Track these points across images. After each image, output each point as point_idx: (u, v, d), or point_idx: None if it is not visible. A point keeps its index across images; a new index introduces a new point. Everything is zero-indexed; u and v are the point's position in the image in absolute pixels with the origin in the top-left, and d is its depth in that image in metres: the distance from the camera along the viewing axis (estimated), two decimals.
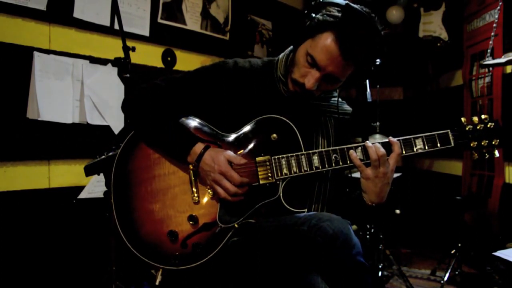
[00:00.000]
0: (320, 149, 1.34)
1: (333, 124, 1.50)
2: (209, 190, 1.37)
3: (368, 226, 3.12)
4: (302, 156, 1.33)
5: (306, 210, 1.38)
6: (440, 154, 4.03)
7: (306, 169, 1.33)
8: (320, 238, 1.15)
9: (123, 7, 2.82)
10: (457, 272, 3.14)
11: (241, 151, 1.39)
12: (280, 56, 1.48)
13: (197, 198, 1.36)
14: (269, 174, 1.34)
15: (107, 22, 2.72)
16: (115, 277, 2.10)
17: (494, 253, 1.61)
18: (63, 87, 2.49)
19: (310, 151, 1.34)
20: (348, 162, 1.32)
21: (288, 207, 1.35)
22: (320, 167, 1.33)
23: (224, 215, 1.34)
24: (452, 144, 1.30)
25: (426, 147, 1.31)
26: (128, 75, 2.00)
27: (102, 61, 2.68)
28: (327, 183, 1.44)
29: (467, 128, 1.31)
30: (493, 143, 1.30)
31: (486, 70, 3.40)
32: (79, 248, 2.54)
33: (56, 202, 2.47)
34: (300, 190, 1.39)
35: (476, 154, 1.33)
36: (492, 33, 2.59)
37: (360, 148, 1.32)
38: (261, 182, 1.34)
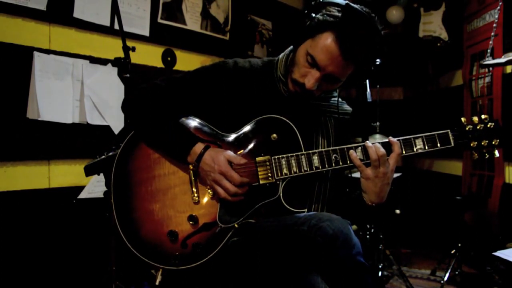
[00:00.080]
0: (320, 149, 1.34)
1: (333, 124, 1.50)
2: (209, 190, 1.37)
3: (368, 226, 3.12)
4: (302, 156, 1.33)
5: (306, 210, 1.38)
6: (440, 154, 4.03)
7: (306, 169, 1.33)
8: (320, 238, 1.15)
9: (123, 7, 2.82)
10: (457, 272, 3.14)
11: (241, 151, 1.39)
12: (280, 56, 1.48)
13: (197, 198, 1.36)
14: (269, 174, 1.34)
15: (107, 22, 2.72)
16: (115, 277, 2.10)
17: (494, 253, 1.61)
18: (63, 87, 2.49)
19: (310, 151, 1.34)
20: (348, 162, 1.32)
21: (288, 207, 1.35)
22: (320, 167, 1.33)
23: (224, 215, 1.34)
24: (452, 144, 1.30)
25: (426, 147, 1.31)
26: (128, 75, 2.00)
27: (102, 61, 2.68)
28: (327, 183, 1.44)
29: (467, 128, 1.31)
30: (493, 143, 1.30)
31: (486, 70, 3.40)
32: (79, 248, 2.54)
33: (56, 202, 2.47)
34: (300, 190, 1.39)
35: (476, 154, 1.33)
36: (492, 33, 2.59)
37: (360, 148, 1.32)
38: (261, 182, 1.34)
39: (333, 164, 1.33)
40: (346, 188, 1.52)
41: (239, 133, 1.40)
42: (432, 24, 4.10)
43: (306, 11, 1.32)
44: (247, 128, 1.40)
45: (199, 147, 1.33)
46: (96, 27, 2.67)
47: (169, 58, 3.15)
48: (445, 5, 4.03)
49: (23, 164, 2.35)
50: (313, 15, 1.30)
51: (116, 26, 2.63)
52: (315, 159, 1.33)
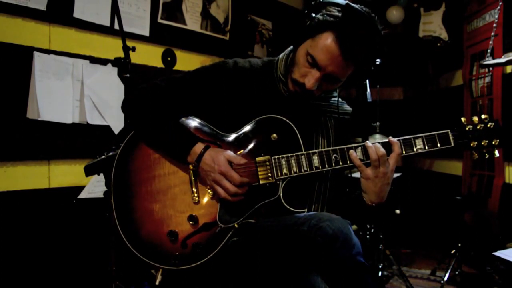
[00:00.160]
0: (320, 149, 1.34)
1: (333, 124, 1.50)
2: (209, 190, 1.37)
3: (368, 226, 3.12)
4: (302, 156, 1.33)
5: (306, 210, 1.38)
6: (440, 154, 4.03)
7: (306, 169, 1.33)
8: (320, 238, 1.15)
9: (123, 7, 2.82)
10: (457, 272, 3.14)
11: (241, 151, 1.39)
12: (280, 56, 1.48)
13: (197, 198, 1.36)
14: (269, 174, 1.34)
15: (107, 22, 2.72)
16: (115, 277, 2.10)
17: (494, 253, 1.61)
18: (63, 87, 2.49)
19: (310, 151, 1.34)
20: (348, 162, 1.32)
21: (288, 207, 1.35)
22: (320, 167, 1.33)
23: (224, 215, 1.34)
24: (452, 144, 1.30)
25: (426, 147, 1.31)
26: (128, 75, 2.00)
27: (102, 61, 2.68)
28: (327, 183, 1.44)
29: (467, 128, 1.31)
30: (493, 143, 1.30)
31: (486, 70, 3.40)
32: (79, 248, 2.54)
33: (56, 202, 2.47)
34: (300, 190, 1.39)
35: (476, 154, 1.33)
36: (492, 33, 2.59)
37: (360, 148, 1.32)
38: (261, 182, 1.34)
39: (333, 164, 1.33)
40: (346, 188, 1.52)
41: (239, 133, 1.40)
42: (432, 24, 4.10)
43: (306, 11, 1.32)
44: (247, 128, 1.40)
45: (199, 147, 1.33)
46: (96, 27, 2.67)
47: (169, 58, 3.15)
48: (445, 5, 4.03)
49: (23, 164, 2.35)
50: (313, 15, 1.30)
51: (116, 26, 2.63)
52: (315, 159, 1.33)
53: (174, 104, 1.43)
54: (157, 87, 1.44)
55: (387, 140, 1.32)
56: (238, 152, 1.38)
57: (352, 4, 1.27)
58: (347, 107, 1.55)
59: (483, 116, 1.32)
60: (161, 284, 1.38)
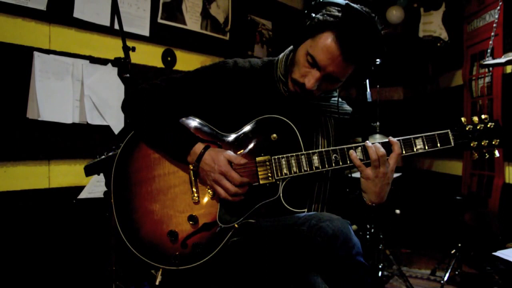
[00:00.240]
0: (320, 149, 1.34)
1: (333, 124, 1.50)
2: (209, 190, 1.37)
3: (368, 226, 3.12)
4: (302, 156, 1.34)
5: (306, 210, 1.38)
6: (440, 154, 4.03)
7: (306, 169, 1.33)
8: (320, 238, 1.15)
9: (123, 7, 2.82)
10: (457, 272, 3.15)
11: (241, 151, 1.39)
12: (280, 56, 1.48)
13: (197, 198, 1.36)
14: (269, 174, 1.34)
15: (107, 22, 2.72)
16: (115, 277, 2.10)
17: (494, 253, 1.61)
18: (63, 87, 2.49)
19: (310, 151, 1.34)
20: (348, 162, 1.32)
21: (288, 207, 1.35)
22: (320, 167, 1.33)
23: (224, 215, 1.34)
24: (452, 144, 1.31)
25: (426, 147, 1.31)
26: (128, 75, 2.00)
27: (102, 61, 2.68)
28: (327, 183, 1.44)
29: (467, 128, 1.31)
30: (493, 143, 1.30)
31: (486, 70, 3.40)
32: (79, 248, 2.54)
33: (56, 202, 2.47)
34: (300, 190, 1.39)
35: (476, 154, 1.33)
36: (492, 33, 2.59)
37: (360, 148, 1.32)
38: (261, 182, 1.34)
39: (333, 164, 1.33)
40: (346, 188, 1.52)
41: (239, 133, 1.40)
42: (432, 24, 4.10)
43: (306, 11, 1.32)
44: (247, 128, 1.40)
45: (199, 147, 1.33)
46: (96, 27, 2.67)
47: (169, 58, 3.15)
48: (445, 5, 4.03)
49: (23, 164, 2.35)
50: (313, 15, 1.30)
51: (116, 26, 2.63)
52: (315, 159, 1.33)
53: (174, 104, 1.43)
54: (157, 87, 1.45)
55: (387, 140, 1.32)
56: (238, 152, 1.38)
57: (352, 4, 1.27)
58: (347, 107, 1.55)
59: (483, 116, 1.32)
60: (161, 284, 1.38)
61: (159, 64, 3.09)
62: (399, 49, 4.38)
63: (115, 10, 2.18)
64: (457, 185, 3.88)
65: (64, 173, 2.52)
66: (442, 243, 3.69)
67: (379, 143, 1.31)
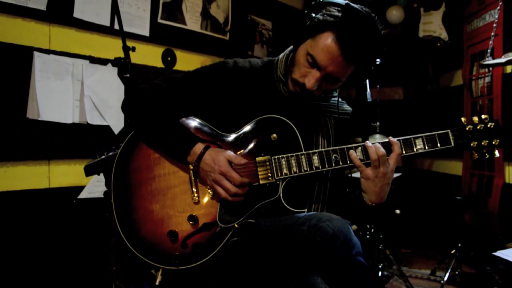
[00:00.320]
0: (320, 149, 1.34)
1: (333, 124, 1.50)
2: (209, 190, 1.37)
3: (368, 226, 3.12)
4: (302, 156, 1.34)
5: (306, 210, 1.38)
6: (440, 154, 4.03)
7: (306, 169, 1.33)
8: (320, 238, 1.15)
9: (123, 7, 2.82)
10: (457, 272, 3.15)
11: (241, 151, 1.39)
12: (280, 56, 1.48)
13: (197, 198, 1.36)
14: (269, 174, 1.34)
15: (107, 22, 2.72)
16: (115, 277, 2.10)
17: (494, 253, 1.61)
18: (63, 87, 2.49)
19: (310, 151, 1.34)
20: (348, 162, 1.32)
21: (288, 207, 1.35)
22: (320, 167, 1.33)
23: (224, 215, 1.34)
24: (452, 144, 1.31)
25: (426, 147, 1.31)
26: (128, 75, 2.00)
27: (102, 61, 2.68)
28: (327, 183, 1.44)
29: (467, 128, 1.31)
30: (493, 143, 1.30)
31: (486, 70, 3.40)
32: (79, 248, 2.54)
33: (56, 202, 2.47)
34: (300, 190, 1.39)
35: (476, 154, 1.33)
36: (492, 33, 2.59)
37: (360, 148, 1.32)
38: (261, 182, 1.34)
39: (333, 164, 1.33)
40: (346, 188, 1.52)
41: (239, 133, 1.40)
42: (432, 24, 4.10)
43: (306, 11, 1.32)
44: (247, 128, 1.40)
45: (199, 147, 1.33)
46: (96, 27, 2.67)
47: (169, 58, 3.15)
48: (445, 5, 4.03)
49: (23, 164, 2.35)
50: (313, 15, 1.30)
51: (116, 26, 2.63)
52: (315, 159, 1.33)
53: (174, 104, 1.43)
54: (157, 87, 1.44)
55: (387, 140, 1.32)
56: (238, 152, 1.38)
57: (352, 4, 1.27)
58: (347, 107, 1.55)
59: (483, 116, 1.32)
60: (161, 284, 1.38)
61: (159, 64, 3.09)
62: (399, 49, 4.38)
63: (115, 10, 2.18)
64: (457, 185, 3.88)
65: (64, 173, 2.52)
66: (442, 243, 3.69)
67: (379, 143, 1.31)
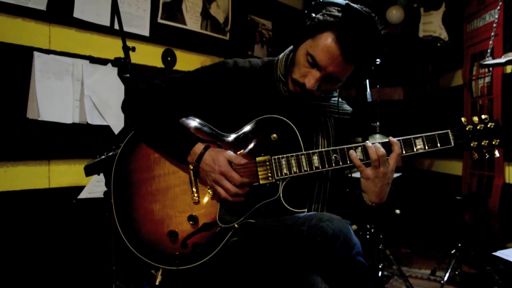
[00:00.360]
0: (320, 149, 1.34)
1: (333, 124, 1.50)
2: (209, 190, 1.37)
3: (368, 226, 3.12)
4: (302, 156, 1.33)
5: (306, 210, 1.38)
6: (440, 154, 4.03)
7: (306, 169, 1.33)
8: (320, 238, 1.15)
9: (123, 7, 2.82)
10: (457, 272, 3.14)
11: (241, 151, 1.39)
12: (280, 56, 1.48)
13: (197, 198, 1.36)
14: (269, 174, 1.34)
15: (107, 22, 2.72)
16: (115, 277, 2.10)
17: (494, 253, 1.61)
18: (63, 87, 2.49)
19: (310, 151, 1.34)
20: (348, 162, 1.32)
21: (288, 207, 1.34)
22: (320, 167, 1.33)
23: (224, 215, 1.34)
24: (452, 144, 1.31)
25: (426, 147, 1.31)
26: (128, 75, 2.00)
27: (102, 61, 2.68)
28: (327, 183, 1.44)
29: (467, 128, 1.31)
30: (493, 143, 1.30)
31: (486, 70, 3.39)
32: (79, 248, 2.54)
33: (56, 202, 2.47)
34: (300, 190, 1.39)
35: (476, 154, 1.33)
36: (492, 33, 2.59)
37: (360, 148, 1.32)
38: (261, 182, 1.34)
39: (333, 164, 1.33)
40: (346, 188, 1.52)
41: (239, 133, 1.40)
42: (432, 24, 4.10)
43: (306, 11, 1.32)
44: (247, 128, 1.40)
45: (199, 147, 1.33)
46: (96, 27, 2.67)
47: (169, 58, 3.15)
48: (445, 5, 4.03)
49: (23, 164, 2.35)
50: (313, 15, 1.30)
51: (116, 26, 2.63)
52: (315, 159, 1.33)
53: (174, 104, 1.43)
54: (157, 88, 1.44)
55: (387, 140, 1.32)
56: (238, 152, 1.38)
57: (352, 4, 1.27)
58: (347, 107, 1.55)
59: (483, 116, 1.32)
60: (161, 284, 1.38)
61: (159, 64, 3.09)
62: (399, 49, 4.38)
63: (115, 10, 2.18)
64: (457, 185, 3.88)
65: (64, 173, 2.52)
66: (442, 243, 3.69)
67: (379, 143, 1.31)
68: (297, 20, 1.34)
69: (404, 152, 1.31)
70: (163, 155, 1.41)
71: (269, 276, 1.30)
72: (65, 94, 2.50)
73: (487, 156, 1.32)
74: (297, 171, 1.33)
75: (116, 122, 2.72)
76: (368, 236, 3.09)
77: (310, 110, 1.48)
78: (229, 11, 3.69)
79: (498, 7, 2.71)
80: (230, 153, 1.35)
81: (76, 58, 2.56)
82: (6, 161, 2.28)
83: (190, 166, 1.35)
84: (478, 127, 1.31)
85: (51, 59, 2.44)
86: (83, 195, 2.51)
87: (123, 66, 2.00)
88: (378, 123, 3.31)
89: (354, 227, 2.78)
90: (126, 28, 2.27)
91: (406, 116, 4.72)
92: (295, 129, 1.37)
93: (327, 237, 1.14)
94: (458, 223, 3.50)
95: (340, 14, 1.26)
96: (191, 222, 1.34)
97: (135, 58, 2.16)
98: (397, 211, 3.46)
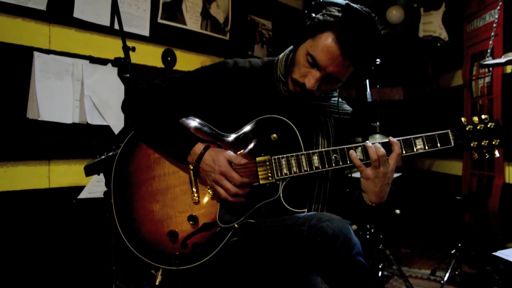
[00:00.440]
0: (320, 149, 1.34)
1: (333, 124, 1.50)
2: (209, 190, 1.37)
3: (368, 226, 3.12)
4: (302, 156, 1.34)
5: (306, 210, 1.38)
6: (440, 154, 4.03)
7: (306, 169, 1.33)
8: (320, 238, 1.15)
9: (123, 7, 2.82)
10: (457, 272, 3.14)
11: (241, 151, 1.39)
12: (280, 56, 1.48)
13: (197, 198, 1.36)
14: (269, 174, 1.34)
15: (107, 22, 2.72)
16: (115, 277, 2.10)
17: (494, 253, 1.61)
18: (63, 87, 2.49)
19: (310, 151, 1.34)
20: (348, 162, 1.32)
21: (288, 207, 1.35)
22: (320, 167, 1.33)
23: (224, 215, 1.34)
24: (452, 144, 1.31)
25: (426, 147, 1.31)
26: (128, 75, 2.00)
27: (102, 61, 2.68)
28: (327, 183, 1.44)
29: (467, 128, 1.31)
30: (493, 143, 1.30)
31: (486, 70, 3.39)
32: (79, 248, 2.54)
33: (56, 202, 2.47)
34: (300, 190, 1.39)
35: (476, 154, 1.33)
36: (492, 33, 2.59)
37: (360, 148, 1.32)
38: (261, 182, 1.34)
39: (333, 164, 1.33)
40: (346, 188, 1.52)
41: (239, 133, 1.40)
42: (432, 24, 4.10)
43: (306, 11, 1.32)
44: (247, 128, 1.40)
45: (199, 147, 1.33)
46: (96, 27, 2.67)
47: (169, 58, 3.15)
48: (445, 5, 4.03)
49: (23, 164, 2.35)
50: (313, 15, 1.30)
51: (116, 26, 2.63)
52: (315, 159, 1.33)
53: (174, 105, 1.43)
54: (157, 88, 1.45)
55: (387, 140, 1.32)
56: (238, 152, 1.38)
57: (352, 4, 1.27)
58: (347, 107, 1.55)
59: (483, 116, 1.32)
60: (161, 284, 1.38)
61: (159, 64, 3.09)
62: (399, 49, 4.38)
63: (115, 10, 2.18)
64: (457, 185, 3.88)
65: (64, 173, 2.52)
66: (442, 243, 3.69)
67: (379, 143, 1.31)
68: (297, 20, 1.34)
69: (404, 152, 1.31)
70: (163, 155, 1.41)
71: (269, 276, 1.30)
72: (65, 94, 2.50)
73: (487, 156, 1.32)
74: (297, 171, 1.33)
75: (116, 122, 2.72)
76: (368, 236, 3.09)
77: (310, 110, 1.48)
78: (229, 11, 3.69)
79: (498, 7, 2.71)
80: (230, 153, 1.35)
81: (76, 58, 2.56)
82: (6, 161, 2.28)
83: (190, 166, 1.35)
84: (478, 127, 1.31)
85: (51, 59, 2.44)
86: (83, 195, 2.51)
87: (123, 66, 2.00)
88: (378, 123, 3.31)
89: (354, 227, 2.78)
90: (126, 28, 2.27)
91: (406, 116, 4.72)
92: (295, 129, 1.37)
93: (327, 237, 1.14)
94: (458, 223, 3.49)
95: (340, 14, 1.26)
96: (191, 222, 1.34)
97: (135, 58, 2.16)
98: (397, 211, 3.46)
